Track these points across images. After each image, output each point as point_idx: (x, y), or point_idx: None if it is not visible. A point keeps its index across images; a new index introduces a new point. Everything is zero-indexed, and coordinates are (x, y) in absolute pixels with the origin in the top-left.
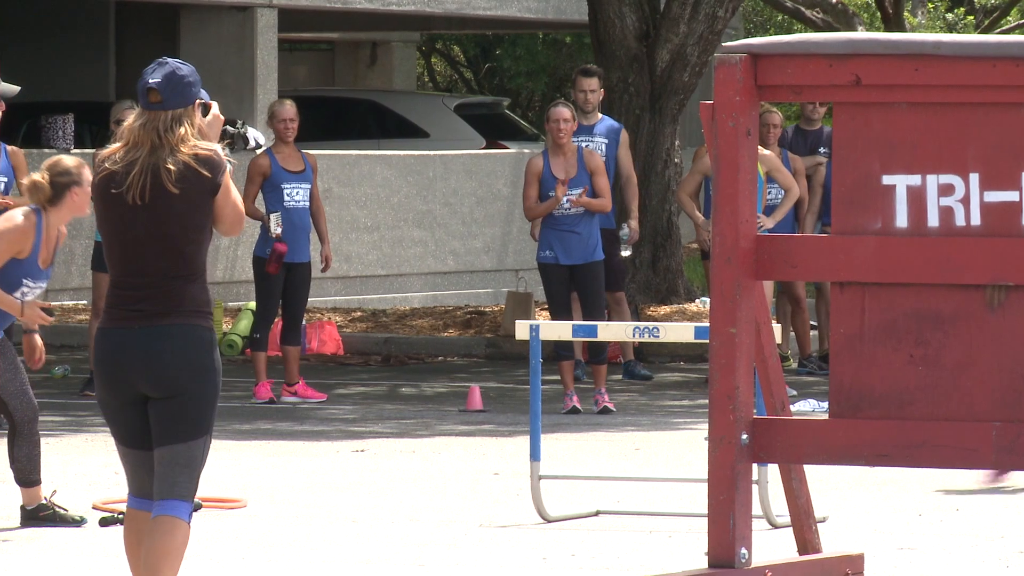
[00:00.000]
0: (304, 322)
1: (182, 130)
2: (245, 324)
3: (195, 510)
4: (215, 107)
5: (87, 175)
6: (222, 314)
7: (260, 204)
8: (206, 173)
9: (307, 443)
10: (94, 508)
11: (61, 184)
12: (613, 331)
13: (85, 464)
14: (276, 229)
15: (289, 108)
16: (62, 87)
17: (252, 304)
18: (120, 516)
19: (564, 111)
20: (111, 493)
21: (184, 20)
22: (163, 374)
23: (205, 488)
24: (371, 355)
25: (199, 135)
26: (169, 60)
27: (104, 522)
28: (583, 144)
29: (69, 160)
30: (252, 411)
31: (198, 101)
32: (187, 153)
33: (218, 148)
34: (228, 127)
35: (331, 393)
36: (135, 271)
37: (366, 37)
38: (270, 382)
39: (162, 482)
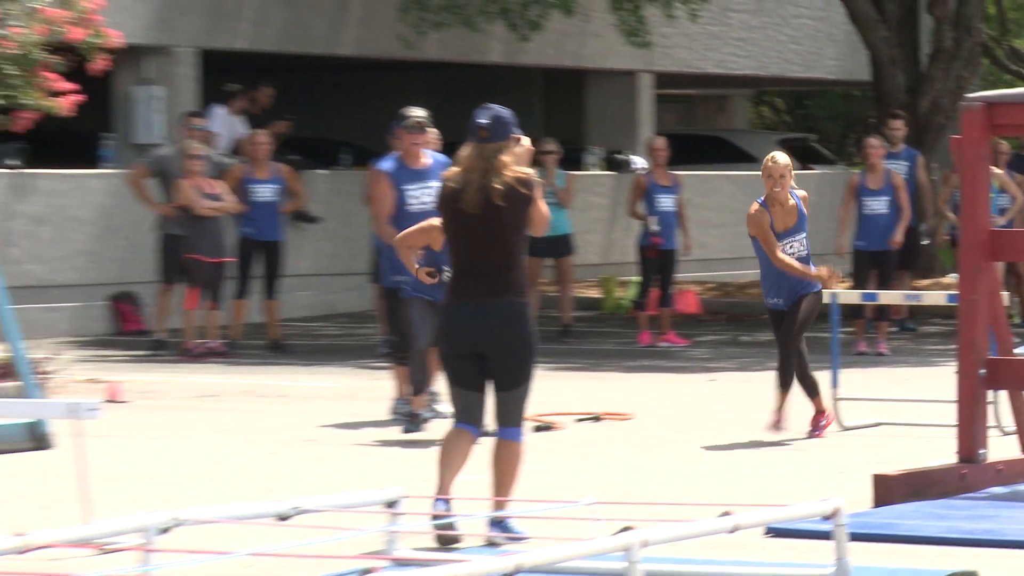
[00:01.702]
0: (673, 290)
1: (504, 158)
2: (632, 291)
3: (595, 420)
4: (526, 140)
5: None
6: (614, 284)
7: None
8: (523, 191)
9: (675, 375)
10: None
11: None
12: (891, 297)
13: None
14: (654, 227)
15: (660, 142)
16: None
17: (636, 278)
18: (550, 424)
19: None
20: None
21: (589, 81)
22: (496, 338)
23: (604, 405)
24: (719, 314)
25: (516, 161)
26: (493, 105)
27: (537, 429)
28: (891, 167)
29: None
30: (637, 352)
31: (513, 136)
32: (509, 176)
33: (531, 171)
34: (617, 155)
35: (692, 340)
36: (472, 264)
37: (716, 92)
38: (649, 332)
39: (502, 416)
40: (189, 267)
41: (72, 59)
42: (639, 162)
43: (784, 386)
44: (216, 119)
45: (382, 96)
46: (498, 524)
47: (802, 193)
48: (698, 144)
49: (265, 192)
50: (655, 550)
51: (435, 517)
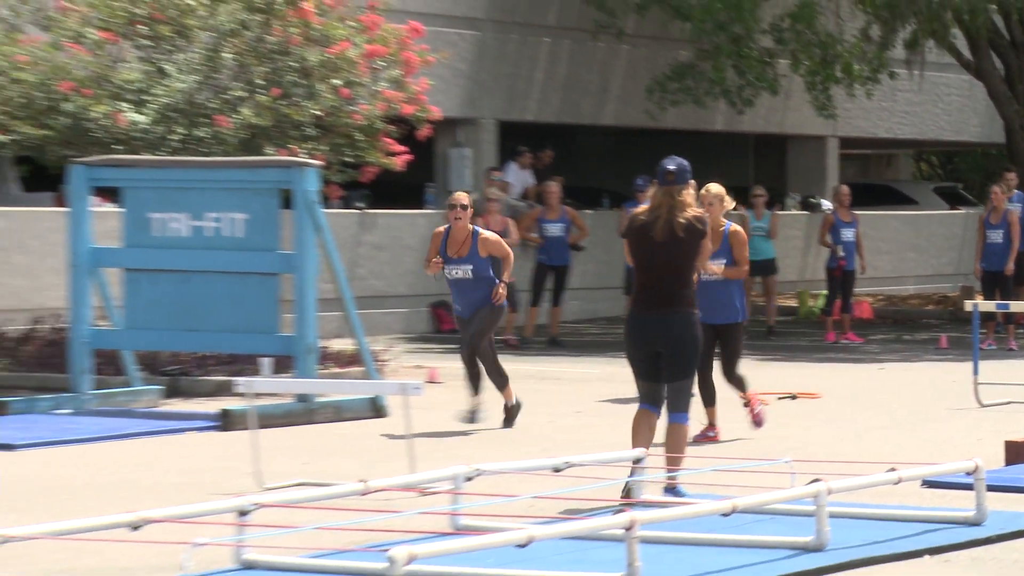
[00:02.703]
0: (852, 300)
1: (685, 198)
2: (820, 301)
3: (792, 399)
4: (693, 185)
5: None
6: (807, 296)
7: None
8: (699, 227)
9: (853, 364)
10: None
11: None
12: (1019, 305)
13: None
14: (839, 253)
15: (844, 189)
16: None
17: (824, 291)
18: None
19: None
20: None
21: (789, 143)
22: (671, 341)
23: (798, 387)
24: (887, 319)
25: (693, 202)
26: (675, 157)
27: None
28: (1009, 207)
29: None
30: (824, 347)
31: (691, 181)
32: (689, 214)
33: (702, 212)
34: (810, 199)
35: (866, 338)
36: (655, 282)
37: (885, 152)
38: (834, 332)
39: (672, 403)
40: None
41: (404, 128)
42: (827, 204)
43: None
44: (510, 173)
45: (633, 155)
46: (671, 490)
47: (736, 228)
48: (871, 191)
49: (555, 229)
50: (838, 497)
51: (670, 472)
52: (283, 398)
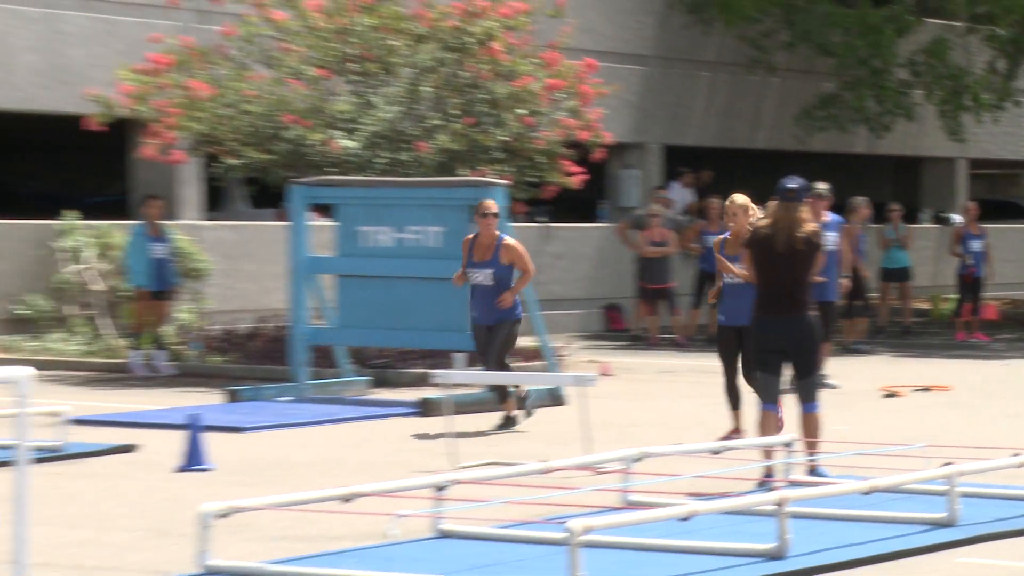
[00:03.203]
0: (980, 304)
1: (804, 215)
2: (951, 305)
3: (926, 391)
4: (809, 203)
5: None
6: (940, 300)
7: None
8: (816, 241)
9: (981, 361)
10: (881, 388)
11: None
12: None
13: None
14: (968, 261)
15: (972, 205)
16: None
17: (954, 296)
18: (895, 393)
19: None
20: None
21: (923, 164)
22: (794, 341)
23: (932, 380)
24: (1012, 320)
25: (811, 217)
26: (795, 176)
27: (886, 396)
28: None
29: None
30: (954, 345)
31: (807, 199)
32: (808, 228)
33: (818, 227)
34: (941, 214)
35: (993, 337)
36: (776, 288)
37: (1011, 172)
38: (963, 332)
39: (804, 395)
40: (641, 289)
41: (580, 151)
42: (957, 218)
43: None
44: (673, 191)
45: (782, 175)
46: (814, 471)
47: None
48: (998, 207)
49: (710, 240)
50: (968, 478)
51: (811, 456)
52: (474, 388)
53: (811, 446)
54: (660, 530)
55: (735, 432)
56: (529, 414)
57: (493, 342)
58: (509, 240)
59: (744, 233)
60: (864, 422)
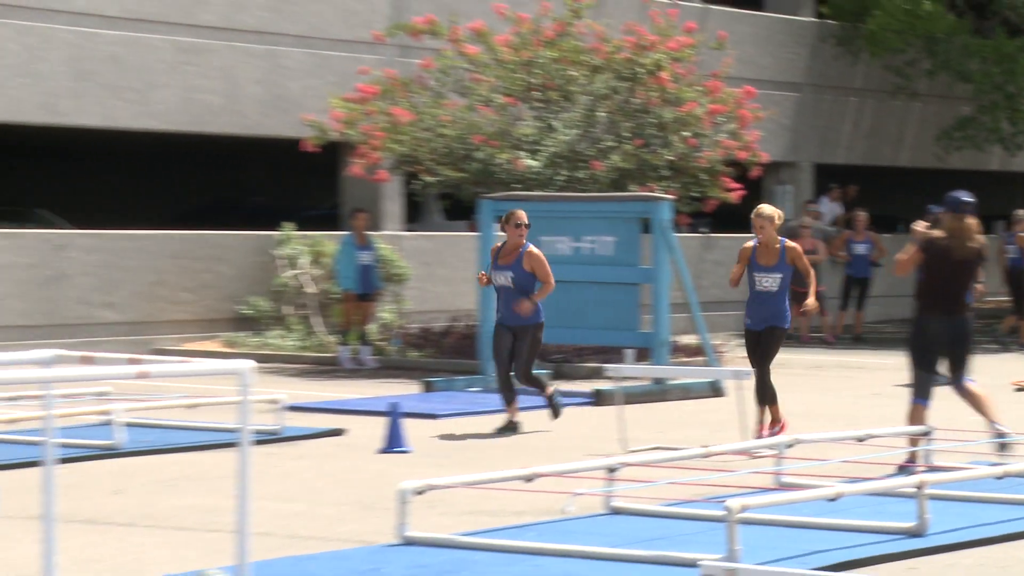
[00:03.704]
0: None
1: (975, 226)
2: None
3: None
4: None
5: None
6: None
7: None
8: (984, 252)
9: None
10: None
11: None
12: None
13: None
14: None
15: None
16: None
17: None
18: None
19: None
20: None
21: None
22: (957, 339)
23: None
24: None
25: (980, 228)
26: (965, 191)
27: (1017, 390)
28: None
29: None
30: None
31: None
32: (979, 239)
33: (984, 238)
34: None
35: None
36: (944, 291)
37: None
38: None
39: (956, 376)
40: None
41: (738, 169)
42: None
43: (762, 401)
44: (823, 204)
45: (923, 190)
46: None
47: (790, 243)
48: None
49: (860, 248)
50: None
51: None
52: (642, 381)
53: (985, 409)
54: (810, 509)
55: (774, 424)
56: (557, 415)
57: (520, 352)
58: (533, 249)
59: (773, 242)
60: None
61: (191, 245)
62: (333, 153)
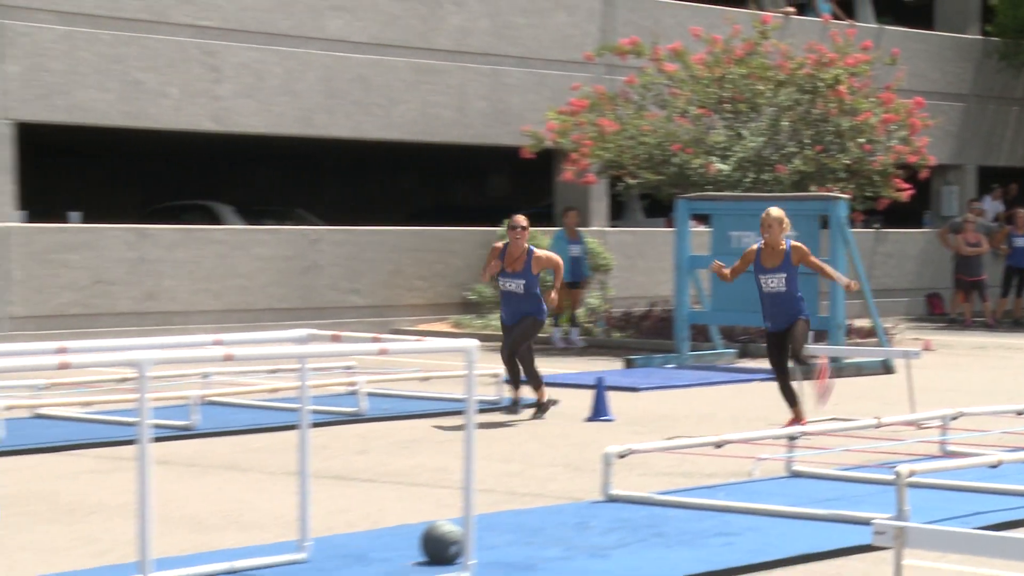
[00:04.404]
0: None
1: None
2: None
3: None
4: None
5: None
6: None
7: None
8: None
9: None
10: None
11: None
12: None
13: None
14: None
15: None
16: None
17: None
18: None
19: None
20: None
21: None
22: None
23: None
24: None
25: None
26: None
27: None
28: None
29: None
30: None
31: None
32: None
33: None
34: None
35: None
36: None
37: None
38: None
39: None
40: (958, 281)
41: (908, 172)
42: None
43: (791, 402)
44: (985, 202)
45: None
46: None
47: (795, 244)
48: None
49: (1020, 241)
50: None
51: None
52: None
53: None
54: (972, 475)
55: (797, 420)
56: (540, 416)
57: (515, 332)
58: (538, 252)
59: (779, 244)
60: None
61: (425, 239)
62: (547, 159)
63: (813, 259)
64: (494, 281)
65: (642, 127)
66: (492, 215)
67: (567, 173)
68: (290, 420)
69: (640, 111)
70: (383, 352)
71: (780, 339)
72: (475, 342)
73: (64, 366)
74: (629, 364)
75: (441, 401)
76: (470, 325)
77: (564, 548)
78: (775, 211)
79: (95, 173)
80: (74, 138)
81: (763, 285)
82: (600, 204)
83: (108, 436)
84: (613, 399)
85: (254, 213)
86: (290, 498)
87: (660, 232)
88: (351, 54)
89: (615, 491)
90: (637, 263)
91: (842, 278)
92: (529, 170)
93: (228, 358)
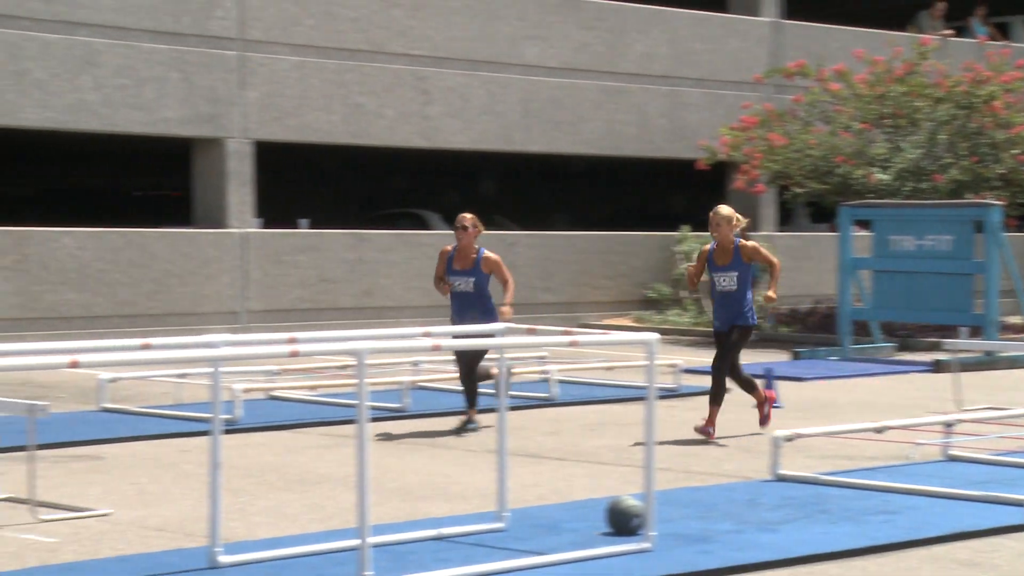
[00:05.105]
0: None
1: None
2: None
3: None
4: None
5: None
6: None
7: None
8: None
9: None
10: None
11: None
12: None
13: None
14: None
15: None
16: None
17: None
18: None
19: None
20: None
21: None
22: None
23: None
24: None
25: None
26: None
27: None
28: None
29: None
30: None
31: None
32: None
33: None
34: None
35: None
36: None
37: None
38: None
39: None
40: None
41: None
42: None
43: (715, 400)
44: None
45: None
46: None
47: (750, 244)
48: None
49: None
50: None
51: None
52: (975, 353)
53: None
54: None
55: (763, 403)
56: (461, 433)
57: (726, 344)
58: (488, 253)
59: (728, 243)
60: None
61: (610, 243)
62: (721, 171)
63: (765, 252)
64: (446, 284)
65: (808, 141)
66: (671, 222)
67: (739, 183)
68: (489, 404)
69: (807, 127)
70: (573, 344)
71: (725, 339)
72: (655, 336)
73: (294, 354)
74: (795, 356)
75: (624, 388)
76: (650, 320)
77: (736, 522)
78: (724, 209)
79: (321, 185)
80: (304, 155)
81: (716, 284)
82: (769, 211)
83: (331, 416)
84: (781, 388)
85: None
86: (489, 473)
87: (824, 236)
88: (545, 78)
89: (783, 471)
90: (802, 264)
91: (773, 288)
92: (704, 181)
93: (436, 348)
